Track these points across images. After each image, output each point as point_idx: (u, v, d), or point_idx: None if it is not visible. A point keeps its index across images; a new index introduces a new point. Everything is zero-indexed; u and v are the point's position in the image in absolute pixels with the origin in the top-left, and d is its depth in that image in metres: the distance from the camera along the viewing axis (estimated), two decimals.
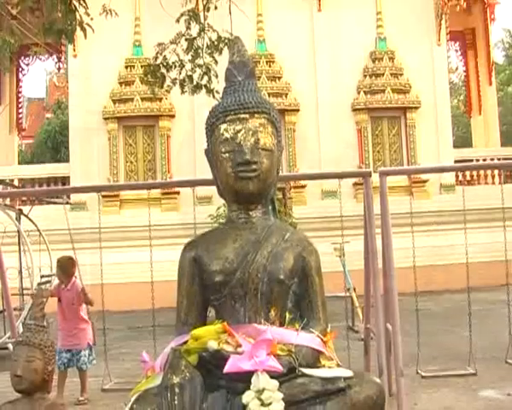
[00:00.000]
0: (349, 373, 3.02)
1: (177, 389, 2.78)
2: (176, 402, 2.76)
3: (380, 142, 18.05)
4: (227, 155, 3.24)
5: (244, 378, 2.82)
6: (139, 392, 3.03)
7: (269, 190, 3.40)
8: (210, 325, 3.12)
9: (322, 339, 3.19)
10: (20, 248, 11.67)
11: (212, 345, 2.93)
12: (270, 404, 2.76)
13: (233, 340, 2.96)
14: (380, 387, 3.05)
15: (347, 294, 11.24)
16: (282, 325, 3.20)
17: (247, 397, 2.79)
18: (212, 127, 3.36)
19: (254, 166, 3.21)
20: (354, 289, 11.40)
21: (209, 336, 2.98)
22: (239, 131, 3.25)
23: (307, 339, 3.10)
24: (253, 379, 2.80)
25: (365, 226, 6.46)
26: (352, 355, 6.05)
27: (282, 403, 2.78)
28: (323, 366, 3.09)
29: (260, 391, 2.77)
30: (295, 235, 3.38)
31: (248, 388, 2.80)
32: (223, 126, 3.27)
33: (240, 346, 2.91)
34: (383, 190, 6.38)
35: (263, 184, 3.28)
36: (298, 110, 17.84)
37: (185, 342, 3.06)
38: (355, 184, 16.71)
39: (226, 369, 2.80)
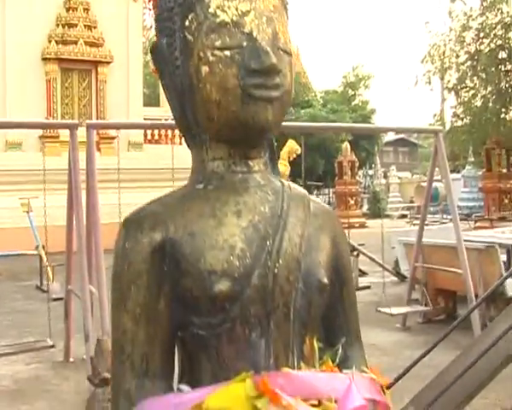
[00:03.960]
0: None
1: None
2: None
3: (69, 94, 17.40)
4: (228, 53, 1.74)
5: None
6: None
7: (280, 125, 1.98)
8: (229, 383, 1.68)
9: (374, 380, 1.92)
10: None
11: None
12: None
13: (281, 408, 1.62)
14: None
15: (36, 252, 10.78)
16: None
17: None
18: (185, 5, 1.79)
19: (278, 80, 1.77)
20: (43, 247, 10.95)
21: (237, 406, 1.62)
22: (246, 14, 1.74)
23: (365, 388, 1.81)
24: None
25: (70, 181, 6.13)
26: (42, 317, 5.82)
27: None
28: None
29: None
30: (319, 205, 1.99)
31: None
32: (214, 1, 1.77)
33: None
34: (90, 143, 6.11)
35: (283, 111, 1.87)
36: None
37: None
38: (42, 136, 15.99)
39: None
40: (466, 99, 23.60)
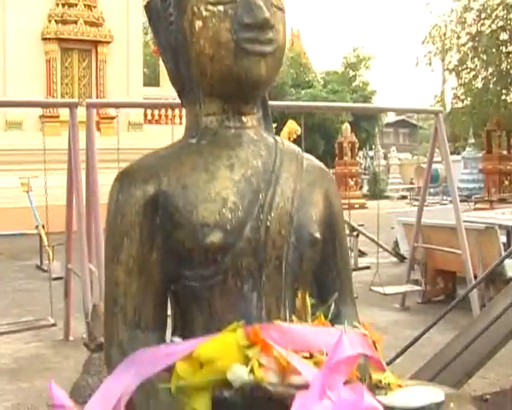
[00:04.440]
0: (440, 395, 1.84)
1: None
2: None
3: (69, 74, 17.34)
4: (221, 8, 1.73)
5: None
6: None
7: (273, 81, 1.96)
8: (221, 333, 1.67)
9: (366, 336, 1.89)
10: None
11: (242, 374, 1.55)
12: None
13: (274, 360, 1.59)
14: None
15: (36, 231, 10.79)
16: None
17: None
18: None
19: (271, 35, 1.76)
20: (43, 226, 10.96)
21: (228, 355, 1.59)
22: None
23: (358, 343, 1.76)
24: None
25: (69, 160, 6.12)
26: (43, 296, 5.84)
27: None
28: (380, 382, 1.86)
29: None
30: (311, 161, 2.00)
31: None
32: None
33: (290, 372, 1.58)
34: (90, 122, 6.11)
35: (276, 67, 1.85)
36: None
37: (168, 369, 1.65)
38: (42, 116, 15.93)
39: None
40: (467, 80, 23.53)
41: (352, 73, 40.28)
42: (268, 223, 1.74)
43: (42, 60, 16.90)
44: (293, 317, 1.78)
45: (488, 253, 7.19)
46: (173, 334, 1.81)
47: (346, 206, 10.78)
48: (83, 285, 5.53)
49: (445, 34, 23.51)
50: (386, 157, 31.30)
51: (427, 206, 9.38)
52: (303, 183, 1.86)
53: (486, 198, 19.12)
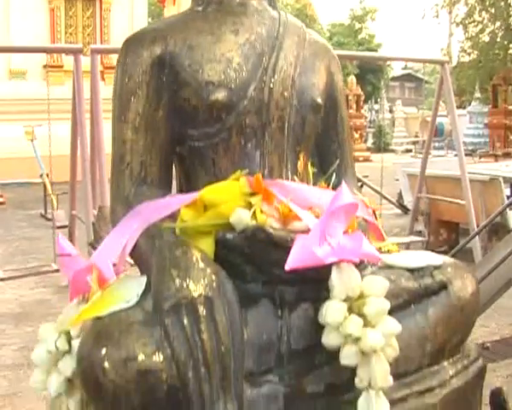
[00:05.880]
0: (438, 259, 1.89)
1: (201, 309, 1.45)
2: (204, 336, 1.44)
3: (73, 24, 17.14)
4: None
5: (303, 277, 1.58)
6: (96, 319, 1.54)
7: None
8: (224, 181, 1.71)
9: (367, 206, 1.97)
10: None
11: (244, 217, 1.58)
12: (377, 321, 1.52)
13: (273, 207, 1.62)
14: (475, 279, 1.99)
15: (40, 180, 10.80)
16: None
17: (334, 312, 1.52)
18: None
19: None
20: (47, 175, 10.97)
21: (230, 200, 1.63)
22: None
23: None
24: (338, 278, 1.53)
25: (74, 108, 6.09)
26: (47, 244, 5.87)
27: (395, 321, 1.57)
28: (380, 249, 1.85)
29: (355, 299, 1.54)
30: (315, 35, 2.06)
31: (322, 294, 1.58)
32: None
33: (291, 218, 1.61)
34: (94, 69, 6.04)
35: None
36: None
37: (173, 216, 1.67)
38: (46, 66, 15.80)
39: (291, 263, 1.49)
40: (474, 34, 23.23)
41: (358, 25, 39.83)
42: (271, 85, 1.82)
43: (46, 9, 16.69)
44: (295, 177, 1.85)
45: (491, 204, 7.18)
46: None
47: None
48: (87, 230, 5.55)
49: None
50: (391, 110, 31.08)
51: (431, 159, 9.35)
52: (306, 51, 1.94)
53: (491, 152, 19.04)
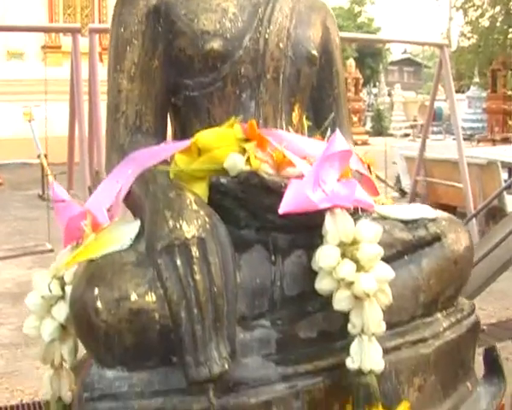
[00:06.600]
0: (432, 213, 1.89)
1: (194, 250, 1.45)
2: (197, 276, 1.43)
3: (71, 5, 17.07)
4: None
5: (296, 224, 1.61)
6: (89, 261, 1.53)
7: None
8: (218, 128, 1.73)
9: (362, 161, 1.98)
10: None
11: (238, 162, 1.59)
12: (370, 266, 1.52)
13: (267, 153, 1.63)
14: (469, 234, 1.97)
15: (38, 160, 10.77)
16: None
17: (327, 257, 1.52)
18: None
19: None
20: (45, 156, 10.95)
21: (224, 145, 1.63)
22: None
23: (352, 159, 1.81)
24: (332, 223, 1.53)
25: (72, 87, 6.06)
26: (44, 224, 5.87)
27: (388, 268, 1.57)
28: (374, 202, 1.82)
29: (349, 245, 1.53)
30: None
31: (315, 242, 1.58)
32: None
33: (285, 164, 1.62)
34: (93, 49, 6.01)
35: None
36: None
37: (166, 162, 1.70)
38: (44, 47, 15.78)
39: (285, 207, 1.49)
40: (473, 18, 23.15)
41: (357, 8, 39.69)
42: (266, 35, 1.82)
43: None
44: (290, 128, 1.86)
45: (489, 188, 7.20)
46: None
47: None
48: None
49: None
50: (390, 94, 31.02)
51: (429, 143, 9.35)
52: (301, 5, 1.94)
53: (489, 137, 19.02)
